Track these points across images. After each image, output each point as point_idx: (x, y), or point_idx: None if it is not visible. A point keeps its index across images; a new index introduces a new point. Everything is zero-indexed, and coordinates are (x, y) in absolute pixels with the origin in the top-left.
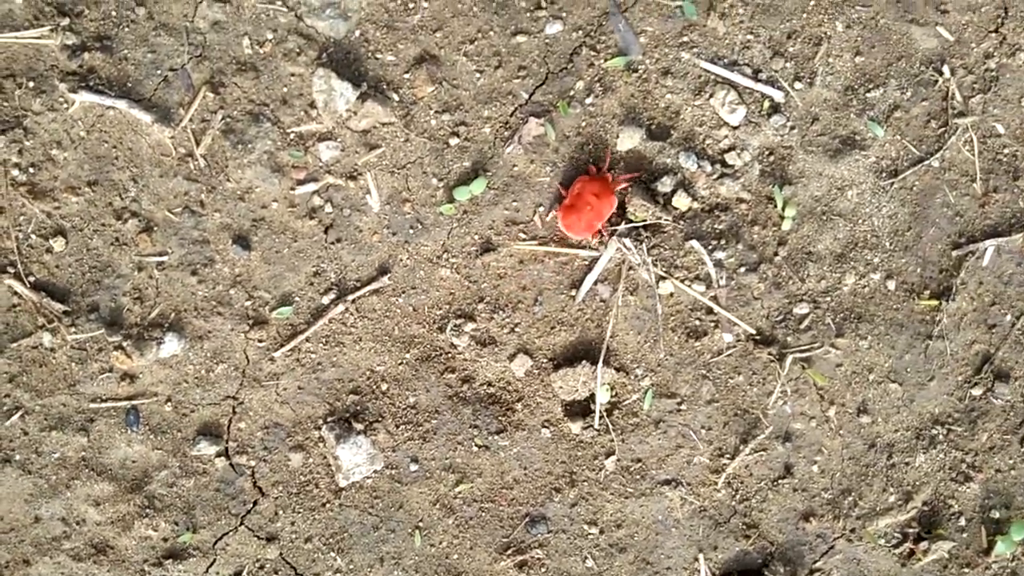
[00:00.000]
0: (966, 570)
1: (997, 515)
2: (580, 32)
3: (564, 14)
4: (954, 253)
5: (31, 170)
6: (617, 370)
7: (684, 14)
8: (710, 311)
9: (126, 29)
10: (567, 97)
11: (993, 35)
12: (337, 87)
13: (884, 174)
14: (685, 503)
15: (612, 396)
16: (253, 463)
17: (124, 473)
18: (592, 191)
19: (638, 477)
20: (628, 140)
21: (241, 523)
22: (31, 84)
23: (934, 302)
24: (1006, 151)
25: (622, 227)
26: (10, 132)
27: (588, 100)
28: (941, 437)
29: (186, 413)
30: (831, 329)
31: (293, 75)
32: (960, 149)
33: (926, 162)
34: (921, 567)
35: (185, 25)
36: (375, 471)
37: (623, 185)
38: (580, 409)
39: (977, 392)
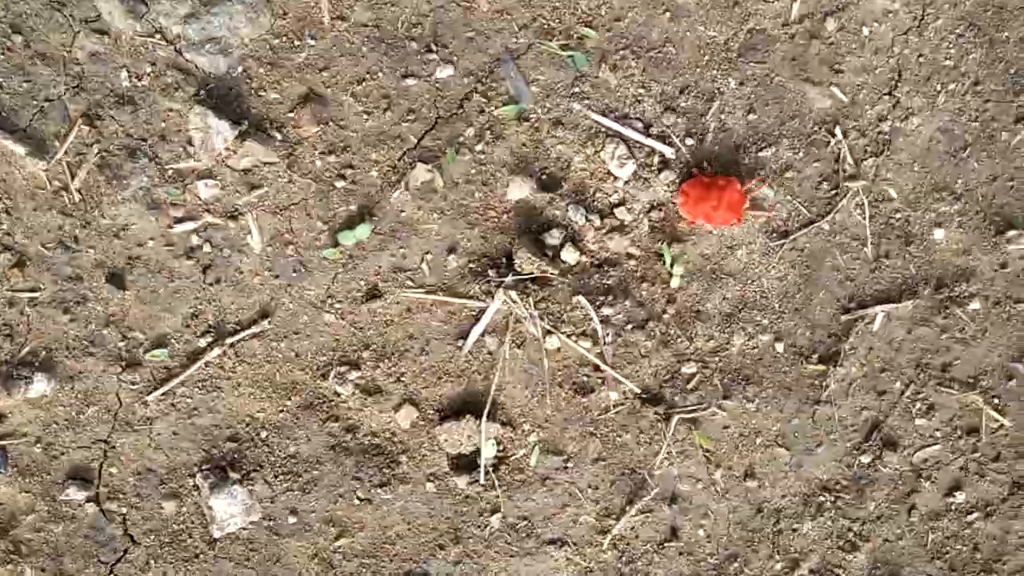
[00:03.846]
0: None
1: None
2: (471, 78)
3: (455, 58)
4: (843, 318)
5: None
6: (504, 424)
7: (575, 64)
8: (597, 367)
9: (1, 57)
10: (456, 143)
11: (887, 97)
12: (214, 125)
13: (775, 235)
14: (571, 563)
15: (499, 451)
16: (124, 510)
17: None
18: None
19: (524, 535)
20: (517, 190)
21: (111, 572)
22: None
23: (822, 367)
24: (898, 216)
25: (509, 279)
26: None
27: (478, 147)
28: (829, 504)
29: (56, 455)
30: (719, 390)
31: (171, 111)
32: (851, 212)
33: (817, 224)
34: None
35: (63, 55)
36: (251, 522)
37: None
38: (466, 463)
39: (866, 460)
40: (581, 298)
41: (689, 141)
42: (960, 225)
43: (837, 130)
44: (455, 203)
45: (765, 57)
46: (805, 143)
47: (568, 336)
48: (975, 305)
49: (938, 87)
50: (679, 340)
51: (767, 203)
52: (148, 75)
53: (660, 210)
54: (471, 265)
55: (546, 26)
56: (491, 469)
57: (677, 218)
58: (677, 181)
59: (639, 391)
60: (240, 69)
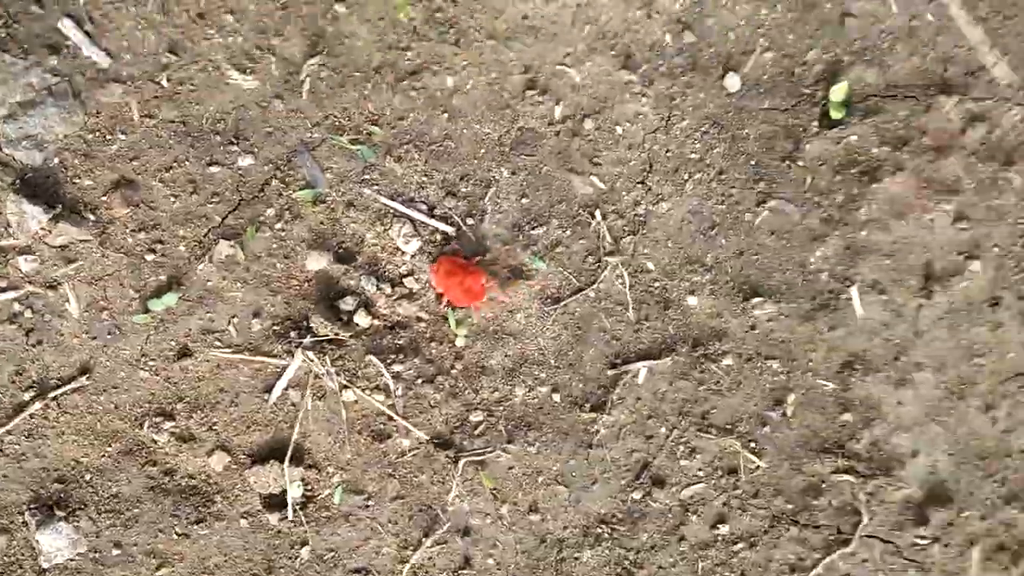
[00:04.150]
0: None
1: None
2: (271, 165)
3: (256, 149)
4: (610, 372)
5: None
6: (310, 467)
7: (364, 157)
8: (391, 417)
9: None
10: (257, 222)
11: (640, 185)
12: (28, 210)
13: (548, 300)
14: None
15: (307, 490)
16: None
17: None
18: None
19: (331, 566)
20: (316, 262)
21: None
22: None
23: (594, 414)
24: (656, 285)
25: (307, 340)
26: None
27: (278, 225)
28: (606, 535)
29: None
30: (503, 435)
31: None
32: (614, 282)
33: (584, 292)
34: None
35: None
36: (78, 554)
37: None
38: (277, 502)
39: (637, 496)
40: (373, 357)
41: (470, 221)
42: (712, 292)
43: (597, 213)
44: (258, 273)
45: (534, 151)
46: (572, 223)
47: (363, 390)
48: (728, 361)
49: (685, 176)
50: (467, 392)
51: (539, 274)
52: None
53: None
54: (275, 327)
55: (337, 123)
56: (299, 507)
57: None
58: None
59: (429, 437)
60: (56, 160)
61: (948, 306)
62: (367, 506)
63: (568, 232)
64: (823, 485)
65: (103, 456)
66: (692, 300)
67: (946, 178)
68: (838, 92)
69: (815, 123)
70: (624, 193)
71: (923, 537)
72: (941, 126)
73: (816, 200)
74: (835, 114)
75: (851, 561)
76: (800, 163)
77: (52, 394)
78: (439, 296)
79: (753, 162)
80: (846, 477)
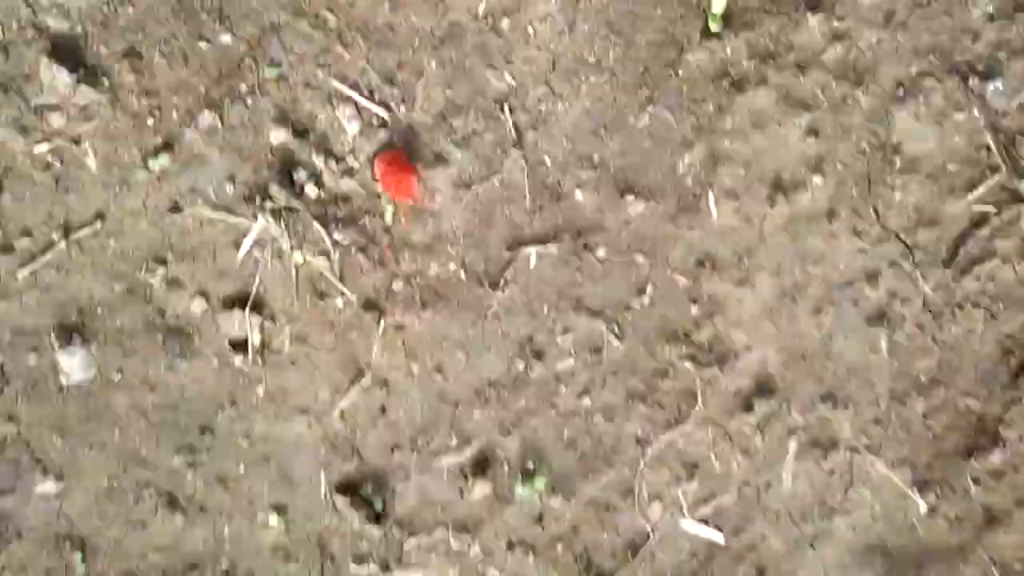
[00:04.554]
0: (506, 506)
1: (532, 465)
2: (246, 45)
3: (236, 29)
4: (506, 253)
5: None
6: (267, 318)
7: (320, 42)
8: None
9: None
10: (233, 96)
11: (544, 84)
12: (57, 73)
13: (462, 187)
14: (311, 428)
15: (265, 337)
16: (2, 359)
17: None
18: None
19: (280, 404)
20: (277, 137)
21: None
22: None
23: (492, 291)
24: (551, 179)
25: (268, 205)
26: None
27: (250, 100)
28: (493, 398)
29: None
30: (418, 304)
31: (30, 59)
32: (516, 173)
33: (491, 179)
34: (472, 499)
35: None
36: (89, 377)
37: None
38: (241, 345)
39: (520, 366)
40: (317, 224)
41: (403, 108)
42: (595, 189)
43: (506, 108)
44: (232, 142)
45: (460, 44)
46: (487, 115)
47: (310, 253)
48: (602, 252)
49: (583, 78)
50: (391, 262)
51: (457, 162)
52: (14, 30)
53: None
54: (244, 192)
55: (299, 8)
56: (257, 352)
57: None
58: (391, 137)
59: (360, 300)
60: (79, 28)
61: (790, 215)
62: (309, 355)
63: (482, 123)
64: (670, 370)
65: (110, 293)
66: (579, 194)
67: (803, 94)
68: (718, 4)
69: (697, 34)
70: (531, 90)
71: (749, 424)
72: (806, 42)
73: (690, 108)
74: (713, 26)
75: (687, 440)
76: (680, 72)
77: (74, 235)
78: (377, 180)
79: (642, 68)
80: (688, 365)
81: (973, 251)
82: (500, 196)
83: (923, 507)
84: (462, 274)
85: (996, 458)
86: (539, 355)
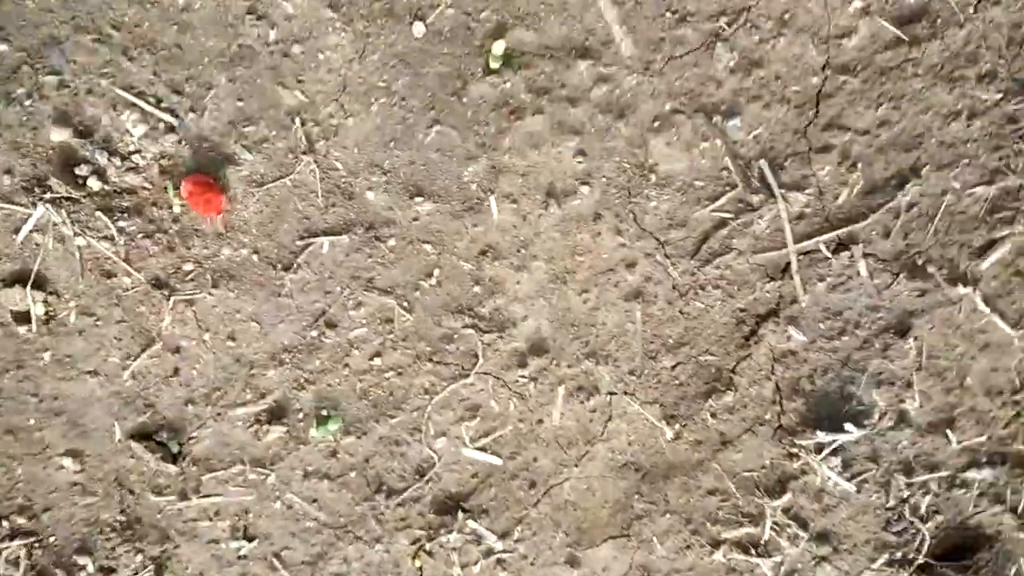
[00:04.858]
0: (301, 445)
1: (326, 412)
2: (24, 53)
3: (11, 39)
4: (299, 243)
5: None
6: (51, 293)
7: (102, 55)
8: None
9: None
10: (9, 97)
11: (335, 102)
12: None
13: (254, 184)
14: (103, 387)
15: (48, 311)
16: None
17: None
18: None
19: (68, 367)
20: (58, 135)
21: None
22: None
23: (284, 273)
24: (343, 181)
25: (47, 196)
26: None
27: (27, 102)
28: (288, 360)
29: None
30: (209, 282)
31: None
32: (308, 175)
33: (283, 179)
34: (267, 441)
35: None
36: None
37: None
38: (25, 317)
39: (314, 334)
40: (100, 213)
41: (191, 115)
42: (386, 191)
43: (298, 120)
44: (10, 140)
45: (250, 64)
46: (278, 125)
47: (94, 238)
48: (393, 243)
49: (373, 99)
50: (181, 247)
51: (247, 162)
52: None
53: (169, 159)
54: (22, 183)
55: (82, 24)
56: (43, 323)
57: (181, 165)
58: (179, 141)
59: (148, 280)
60: None
61: (562, 216)
62: (96, 326)
63: (275, 132)
64: (454, 336)
65: None
66: (370, 195)
67: (574, 122)
68: (497, 48)
69: (480, 70)
70: (322, 107)
71: (523, 376)
72: (575, 82)
73: (474, 129)
74: (493, 64)
75: (470, 390)
76: (465, 100)
77: None
78: (184, 204)
79: (429, 94)
80: (471, 331)
81: (714, 246)
82: (292, 194)
83: (669, 434)
84: (255, 258)
85: (729, 399)
86: (332, 325)
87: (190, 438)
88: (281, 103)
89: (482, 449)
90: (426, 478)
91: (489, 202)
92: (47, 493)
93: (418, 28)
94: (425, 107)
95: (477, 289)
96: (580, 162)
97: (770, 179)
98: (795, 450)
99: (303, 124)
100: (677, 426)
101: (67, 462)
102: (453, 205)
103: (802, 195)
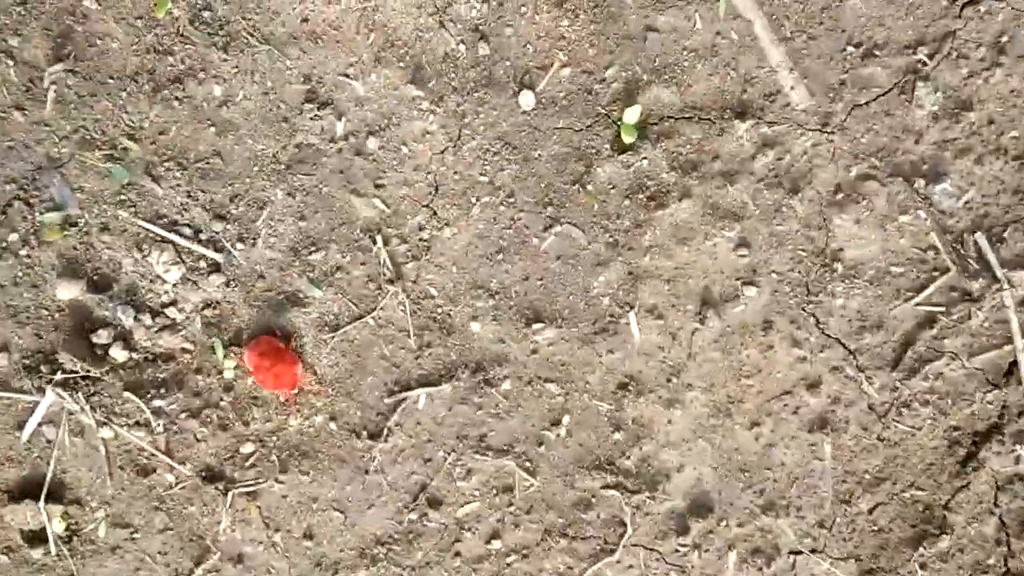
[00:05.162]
0: None
1: None
2: (14, 184)
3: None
4: (388, 400)
5: None
6: (71, 502)
7: (116, 177)
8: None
9: None
10: (1, 248)
11: (425, 209)
12: None
13: (326, 328)
14: None
15: (71, 524)
16: None
17: None
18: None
19: None
20: (67, 292)
21: None
22: None
23: (371, 442)
24: (439, 311)
25: (57, 376)
26: None
27: (23, 252)
28: (382, 555)
29: None
30: (276, 465)
31: None
32: (395, 309)
33: (364, 319)
34: None
35: None
36: None
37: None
38: (39, 537)
39: (414, 516)
40: (130, 394)
41: (240, 246)
42: (495, 318)
43: (379, 238)
44: (4, 304)
45: (313, 170)
46: (353, 247)
47: (122, 426)
48: (507, 385)
49: (473, 199)
50: (237, 423)
51: (317, 302)
52: None
53: (214, 308)
54: (24, 361)
55: (88, 137)
56: (63, 542)
57: (232, 315)
58: (226, 282)
59: (197, 470)
60: None
61: (722, 329)
62: (134, 538)
63: (348, 257)
64: (593, 499)
65: None
66: (475, 326)
67: (732, 204)
68: (631, 115)
69: (608, 145)
70: (408, 217)
71: (684, 544)
72: (733, 151)
73: (603, 225)
74: (627, 137)
75: (616, 568)
76: (589, 187)
77: None
78: (250, 373)
79: (543, 184)
80: (614, 492)
81: (920, 351)
82: (376, 336)
83: None
84: (332, 426)
85: (944, 544)
86: (436, 503)
87: None
88: (356, 217)
89: None
90: None
91: (628, 320)
92: None
93: (526, 99)
94: (539, 203)
95: (618, 436)
96: (743, 256)
97: (989, 257)
98: None
99: (386, 243)
100: None
101: None
102: (581, 328)
103: None
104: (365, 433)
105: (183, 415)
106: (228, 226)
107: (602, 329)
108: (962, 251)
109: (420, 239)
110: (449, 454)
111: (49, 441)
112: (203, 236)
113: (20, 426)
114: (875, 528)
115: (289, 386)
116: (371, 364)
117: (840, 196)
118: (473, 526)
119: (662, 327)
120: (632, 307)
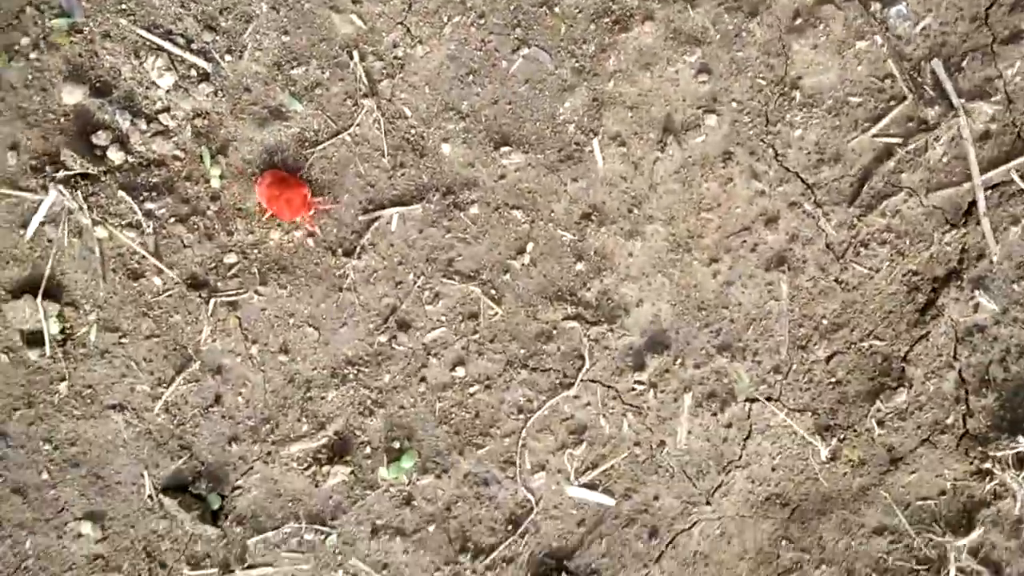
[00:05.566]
0: (368, 491)
1: (398, 445)
2: None
3: None
4: (362, 217)
5: None
6: (67, 304)
7: None
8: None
9: None
10: (12, 51)
11: (400, 26)
12: None
13: (306, 143)
14: (130, 426)
15: (65, 327)
16: None
17: None
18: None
19: (88, 401)
20: (71, 96)
21: None
22: None
23: (346, 259)
24: (412, 131)
25: (60, 174)
26: None
27: (33, 55)
28: (352, 376)
29: None
30: (256, 277)
31: None
32: (371, 127)
33: (341, 135)
34: (330, 487)
35: None
36: None
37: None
38: (36, 339)
39: (383, 339)
40: (124, 193)
41: (228, 57)
42: (465, 141)
43: (356, 54)
44: (14, 106)
45: None
46: (332, 63)
47: (116, 227)
48: (475, 210)
49: (445, 18)
50: (221, 233)
51: (298, 115)
52: None
53: (204, 118)
54: (31, 162)
55: None
56: (58, 344)
57: (220, 126)
58: (215, 92)
59: (183, 277)
60: None
61: (683, 160)
62: (122, 343)
63: (327, 73)
64: (554, 331)
65: None
66: (446, 148)
67: (693, 28)
68: None
69: None
70: (384, 34)
71: (640, 382)
72: None
73: (570, 49)
74: None
75: (574, 404)
76: (556, 9)
77: None
78: (261, 208)
79: (512, 6)
80: (574, 324)
81: (877, 186)
82: (353, 153)
83: (824, 453)
84: (309, 242)
85: (901, 398)
86: (405, 326)
87: (234, 488)
88: (335, 33)
89: (590, 486)
90: (521, 529)
91: (592, 147)
92: (62, 572)
93: None
94: (508, 24)
95: (580, 267)
96: (704, 82)
97: (946, 84)
98: (986, 465)
99: (362, 59)
100: (834, 441)
101: (86, 528)
102: (548, 155)
103: (987, 105)
104: (340, 250)
105: (172, 220)
106: (217, 37)
107: (567, 156)
108: (919, 79)
109: (395, 57)
110: (419, 277)
111: (49, 241)
112: (194, 46)
113: (24, 225)
114: (833, 380)
115: (305, 209)
116: (347, 182)
117: (799, 21)
118: (439, 352)
119: (625, 155)
120: (596, 134)
